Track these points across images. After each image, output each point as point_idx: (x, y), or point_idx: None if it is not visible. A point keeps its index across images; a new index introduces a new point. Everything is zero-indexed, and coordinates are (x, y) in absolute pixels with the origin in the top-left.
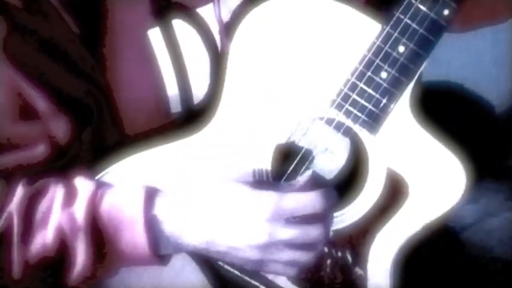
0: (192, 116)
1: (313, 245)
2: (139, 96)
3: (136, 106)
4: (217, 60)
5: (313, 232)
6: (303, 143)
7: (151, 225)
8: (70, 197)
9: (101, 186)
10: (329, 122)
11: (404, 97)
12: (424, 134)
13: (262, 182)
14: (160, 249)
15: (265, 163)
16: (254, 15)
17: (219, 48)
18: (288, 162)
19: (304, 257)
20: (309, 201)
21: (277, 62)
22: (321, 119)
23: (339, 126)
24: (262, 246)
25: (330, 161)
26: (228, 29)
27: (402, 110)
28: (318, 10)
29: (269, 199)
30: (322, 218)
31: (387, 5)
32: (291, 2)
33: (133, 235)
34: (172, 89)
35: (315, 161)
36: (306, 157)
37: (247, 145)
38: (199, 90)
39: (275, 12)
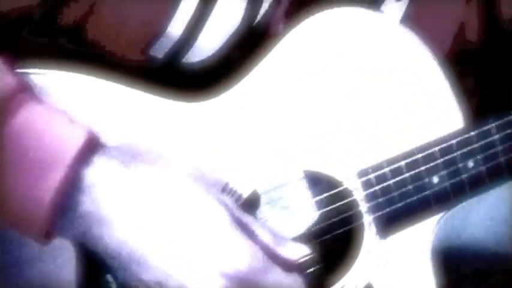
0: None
1: None
2: (128, 15)
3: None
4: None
5: None
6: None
7: (73, 184)
8: None
9: (26, 89)
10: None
11: (431, 222)
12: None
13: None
14: (62, 221)
15: (244, 189)
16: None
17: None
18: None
19: None
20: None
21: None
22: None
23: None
24: None
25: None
26: (289, 12)
27: (424, 236)
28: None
29: (258, 243)
30: None
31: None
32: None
33: (41, 180)
34: (175, 29)
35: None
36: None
37: (242, 152)
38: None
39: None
